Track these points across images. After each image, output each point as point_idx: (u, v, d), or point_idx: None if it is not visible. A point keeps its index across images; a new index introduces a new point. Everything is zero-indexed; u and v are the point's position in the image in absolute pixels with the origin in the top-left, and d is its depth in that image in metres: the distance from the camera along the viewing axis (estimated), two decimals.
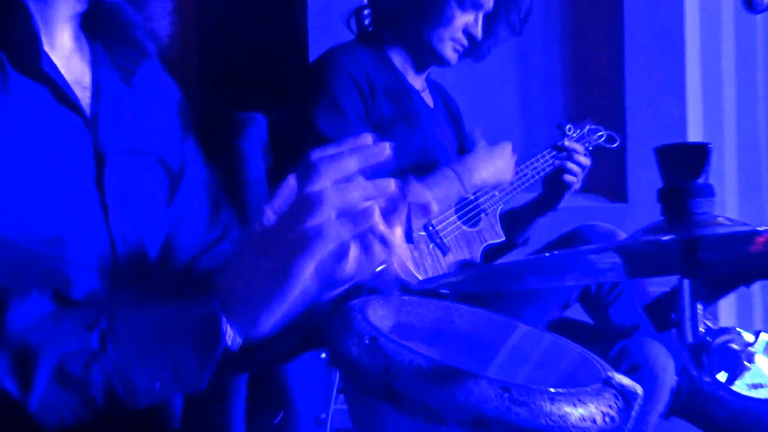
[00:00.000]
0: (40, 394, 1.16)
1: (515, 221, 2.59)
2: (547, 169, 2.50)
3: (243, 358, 1.19)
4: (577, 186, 2.52)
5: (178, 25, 1.61)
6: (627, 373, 1.28)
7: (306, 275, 1.08)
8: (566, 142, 2.50)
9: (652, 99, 2.98)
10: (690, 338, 1.36)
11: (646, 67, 3.04)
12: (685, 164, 1.28)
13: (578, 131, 2.56)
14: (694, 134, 2.87)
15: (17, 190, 1.30)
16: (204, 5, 3.75)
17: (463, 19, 2.35)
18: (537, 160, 2.53)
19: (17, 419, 1.19)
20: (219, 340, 1.12)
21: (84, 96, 1.40)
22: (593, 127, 2.61)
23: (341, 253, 1.08)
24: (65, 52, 1.41)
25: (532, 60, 2.94)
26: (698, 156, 1.28)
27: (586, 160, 2.52)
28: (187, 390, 1.15)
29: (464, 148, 2.54)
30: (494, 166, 2.37)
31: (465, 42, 2.40)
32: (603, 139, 2.64)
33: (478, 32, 2.39)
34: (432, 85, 2.59)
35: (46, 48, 1.34)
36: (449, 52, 2.39)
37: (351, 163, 1.08)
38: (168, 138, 1.54)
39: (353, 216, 1.07)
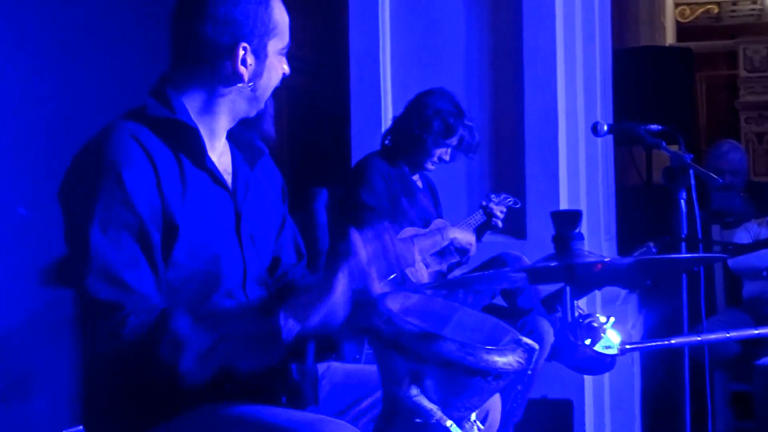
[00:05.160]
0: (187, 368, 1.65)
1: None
2: (481, 219, 3.68)
3: (311, 334, 1.75)
4: (499, 226, 3.77)
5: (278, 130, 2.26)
6: (528, 336, 1.79)
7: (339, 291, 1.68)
8: (492, 204, 3.74)
9: (539, 177, 4.19)
10: (569, 319, 1.90)
11: (538, 154, 4.20)
12: (568, 222, 1.85)
13: (499, 197, 3.74)
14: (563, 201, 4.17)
15: (195, 234, 1.83)
16: (292, 119, 5.11)
17: (439, 152, 3.52)
18: (475, 214, 3.71)
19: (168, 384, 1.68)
20: (280, 344, 1.67)
21: (228, 178, 1.93)
22: (506, 195, 3.78)
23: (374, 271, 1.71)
24: (218, 153, 1.94)
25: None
26: (575, 217, 1.86)
27: (502, 214, 3.79)
28: (266, 363, 1.72)
29: (439, 213, 3.71)
30: (459, 233, 3.55)
31: (438, 162, 3.59)
32: (511, 202, 3.83)
33: (447, 158, 3.63)
34: (423, 177, 3.75)
35: (209, 152, 1.89)
36: (429, 166, 3.56)
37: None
38: (275, 203, 2.08)
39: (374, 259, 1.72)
